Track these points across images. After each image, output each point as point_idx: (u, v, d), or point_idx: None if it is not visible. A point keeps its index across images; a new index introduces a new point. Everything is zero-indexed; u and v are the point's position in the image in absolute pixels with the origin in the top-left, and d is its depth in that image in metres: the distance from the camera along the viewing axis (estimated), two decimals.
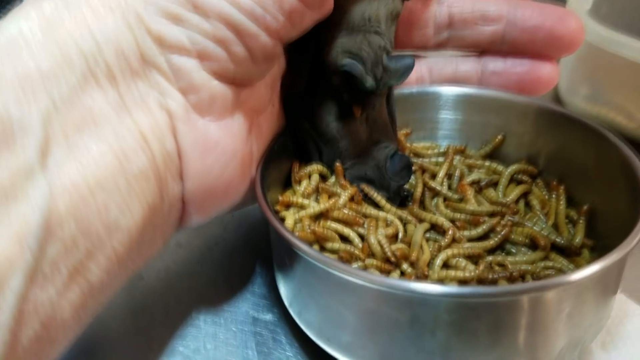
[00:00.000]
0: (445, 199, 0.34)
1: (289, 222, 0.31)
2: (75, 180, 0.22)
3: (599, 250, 0.30)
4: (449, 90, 0.38)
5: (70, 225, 0.21)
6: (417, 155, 0.38)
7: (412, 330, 0.24)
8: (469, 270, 0.29)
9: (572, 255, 0.30)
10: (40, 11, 0.23)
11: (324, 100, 0.33)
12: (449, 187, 0.35)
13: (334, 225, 0.31)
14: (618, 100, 0.46)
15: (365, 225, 0.31)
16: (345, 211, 0.31)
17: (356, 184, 0.34)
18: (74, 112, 0.22)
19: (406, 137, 0.38)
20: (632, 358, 0.28)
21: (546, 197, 0.34)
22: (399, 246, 0.30)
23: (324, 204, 0.31)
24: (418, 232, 0.31)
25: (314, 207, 0.31)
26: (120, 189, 0.23)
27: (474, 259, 0.30)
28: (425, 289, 0.23)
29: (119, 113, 0.24)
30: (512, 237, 0.31)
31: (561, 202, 0.33)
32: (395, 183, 0.34)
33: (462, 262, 0.29)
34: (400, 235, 0.31)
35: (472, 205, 0.33)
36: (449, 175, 0.36)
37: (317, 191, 0.33)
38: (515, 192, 0.34)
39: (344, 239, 0.31)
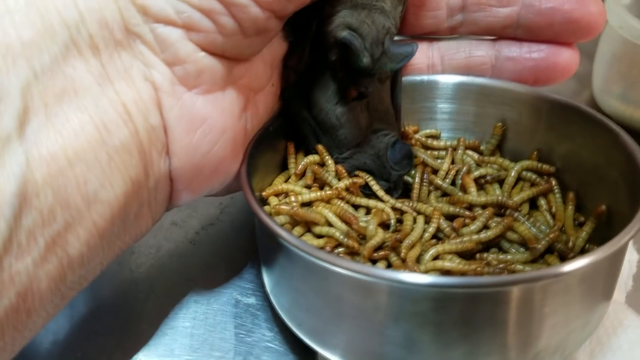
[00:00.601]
0: (446, 193, 0.33)
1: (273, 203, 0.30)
2: (54, 151, 0.21)
3: None
4: (450, 79, 0.36)
5: (47, 196, 0.21)
6: (426, 147, 0.36)
7: (375, 318, 0.23)
8: (455, 261, 0.27)
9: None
10: None
11: (322, 86, 0.32)
12: (453, 183, 0.33)
13: (323, 210, 0.30)
14: None
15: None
16: (341, 204, 0.30)
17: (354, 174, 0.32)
18: (55, 81, 0.22)
19: (414, 133, 0.37)
20: None
21: (559, 202, 0.32)
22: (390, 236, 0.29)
23: (316, 193, 0.30)
24: (417, 227, 0.29)
25: (307, 194, 0.30)
26: (101, 161, 0.23)
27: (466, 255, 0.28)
28: (385, 275, 0.22)
29: (101, 84, 0.23)
30: (508, 234, 0.29)
31: (569, 206, 0.31)
32: (395, 173, 0.32)
33: (451, 256, 0.28)
34: (392, 225, 0.30)
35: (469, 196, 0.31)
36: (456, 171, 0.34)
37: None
38: (522, 195, 0.31)
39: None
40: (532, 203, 0.32)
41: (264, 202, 0.31)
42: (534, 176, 0.33)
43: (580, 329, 0.24)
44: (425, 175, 0.33)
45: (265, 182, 0.32)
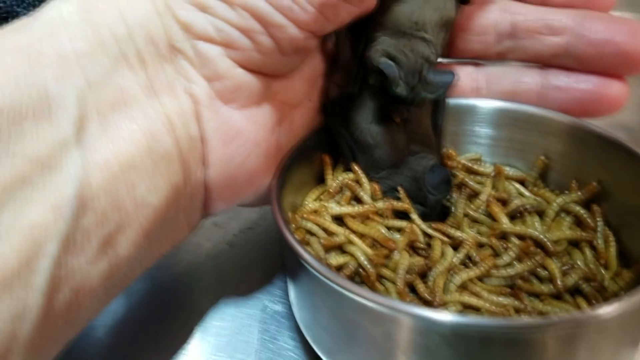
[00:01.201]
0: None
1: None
2: (107, 157, 0.23)
3: None
4: (496, 105, 0.35)
5: (100, 199, 0.22)
6: (469, 172, 0.36)
7: (385, 347, 0.24)
8: (483, 294, 0.27)
9: None
10: None
11: (361, 104, 0.32)
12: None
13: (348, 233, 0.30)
14: None
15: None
16: (383, 230, 0.30)
17: (390, 194, 0.32)
18: (107, 91, 0.24)
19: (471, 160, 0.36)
20: None
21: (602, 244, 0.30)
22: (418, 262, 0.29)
23: (347, 208, 0.31)
24: (447, 255, 0.29)
25: (337, 207, 0.31)
26: (147, 167, 0.24)
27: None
28: (394, 306, 0.22)
29: (148, 95, 0.25)
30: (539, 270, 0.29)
31: (611, 247, 0.30)
32: (432, 197, 0.32)
33: (478, 287, 0.28)
34: (422, 244, 0.30)
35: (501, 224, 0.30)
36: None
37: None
38: (560, 235, 0.30)
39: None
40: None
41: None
42: (581, 211, 0.31)
43: None
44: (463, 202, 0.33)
45: (299, 195, 0.33)
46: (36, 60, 0.22)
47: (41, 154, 0.21)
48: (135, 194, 0.23)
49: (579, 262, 0.29)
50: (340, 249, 0.30)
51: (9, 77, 0.21)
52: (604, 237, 0.30)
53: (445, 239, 0.31)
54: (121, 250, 0.23)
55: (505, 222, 0.31)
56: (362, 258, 0.28)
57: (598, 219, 0.31)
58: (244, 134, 0.28)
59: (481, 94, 0.36)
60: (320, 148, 0.34)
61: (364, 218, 0.31)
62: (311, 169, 0.34)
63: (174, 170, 0.26)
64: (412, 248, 0.30)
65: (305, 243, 0.30)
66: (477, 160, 0.36)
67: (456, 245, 0.30)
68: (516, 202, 0.32)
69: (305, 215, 0.30)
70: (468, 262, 0.30)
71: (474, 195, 0.34)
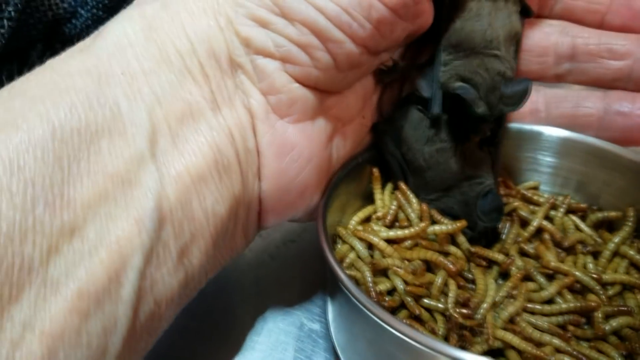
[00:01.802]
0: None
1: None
2: (180, 170, 0.23)
3: None
4: (563, 134, 0.34)
5: (177, 211, 0.23)
6: (527, 201, 0.34)
7: None
8: (533, 332, 0.26)
9: None
10: (142, 13, 0.25)
11: (414, 125, 0.31)
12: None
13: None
14: None
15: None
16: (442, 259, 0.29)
17: None
18: (175, 106, 0.24)
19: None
20: None
21: None
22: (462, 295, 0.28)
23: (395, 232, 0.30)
24: (490, 289, 0.28)
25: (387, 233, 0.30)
26: (215, 179, 0.24)
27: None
28: (434, 346, 0.21)
29: (212, 109, 0.25)
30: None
31: None
32: (482, 224, 0.31)
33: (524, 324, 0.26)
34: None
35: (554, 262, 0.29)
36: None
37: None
38: (616, 279, 0.28)
39: None
40: None
41: None
42: (636, 256, 0.29)
43: None
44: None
45: (347, 212, 0.32)
46: (105, 80, 0.23)
47: (120, 170, 0.21)
48: (206, 205, 0.24)
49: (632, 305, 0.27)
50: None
51: (82, 98, 0.22)
52: None
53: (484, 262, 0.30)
54: (194, 260, 0.24)
55: (552, 259, 0.29)
56: (401, 287, 0.27)
57: None
58: (298, 148, 0.28)
59: (539, 116, 0.34)
60: (370, 166, 0.33)
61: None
62: (360, 187, 0.33)
63: (236, 181, 0.26)
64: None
65: (350, 264, 0.29)
66: (535, 188, 0.35)
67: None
68: (576, 236, 0.31)
69: (354, 231, 0.30)
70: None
71: (525, 224, 0.32)
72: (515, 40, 0.31)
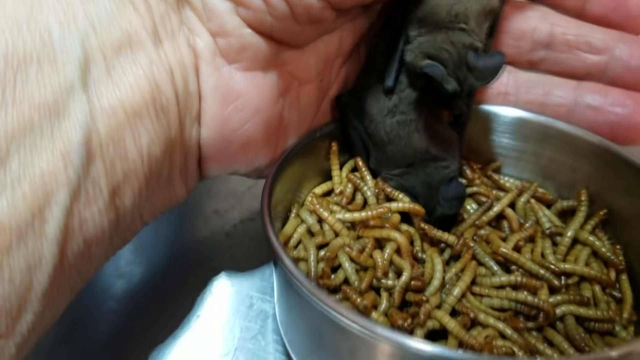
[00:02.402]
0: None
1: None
2: (113, 103, 0.22)
3: None
4: (535, 118, 0.32)
5: (109, 147, 0.21)
6: (500, 188, 0.33)
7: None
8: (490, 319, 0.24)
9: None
10: None
11: (376, 98, 0.30)
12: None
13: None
14: None
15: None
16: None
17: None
18: (112, 34, 0.23)
19: (493, 170, 0.34)
20: None
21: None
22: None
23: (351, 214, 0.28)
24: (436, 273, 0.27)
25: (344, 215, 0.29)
26: (151, 117, 0.23)
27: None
28: (357, 321, 0.20)
29: (154, 42, 0.24)
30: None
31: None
32: (440, 210, 0.30)
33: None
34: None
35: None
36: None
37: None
38: (576, 270, 0.27)
39: None
40: None
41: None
42: (602, 249, 0.28)
43: None
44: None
45: (305, 188, 0.31)
46: (38, 6, 0.21)
47: (48, 99, 0.20)
48: (141, 143, 0.23)
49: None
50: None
51: (10, 23, 0.20)
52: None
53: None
54: (127, 200, 0.23)
55: (501, 245, 0.28)
56: (347, 265, 0.26)
57: (620, 257, 0.28)
58: (245, 98, 0.26)
59: (509, 99, 0.33)
60: (329, 140, 0.32)
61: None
62: (318, 163, 0.32)
63: (173, 123, 0.24)
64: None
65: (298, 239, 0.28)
66: (498, 169, 0.34)
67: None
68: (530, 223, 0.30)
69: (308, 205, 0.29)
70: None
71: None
72: (492, 17, 0.30)
